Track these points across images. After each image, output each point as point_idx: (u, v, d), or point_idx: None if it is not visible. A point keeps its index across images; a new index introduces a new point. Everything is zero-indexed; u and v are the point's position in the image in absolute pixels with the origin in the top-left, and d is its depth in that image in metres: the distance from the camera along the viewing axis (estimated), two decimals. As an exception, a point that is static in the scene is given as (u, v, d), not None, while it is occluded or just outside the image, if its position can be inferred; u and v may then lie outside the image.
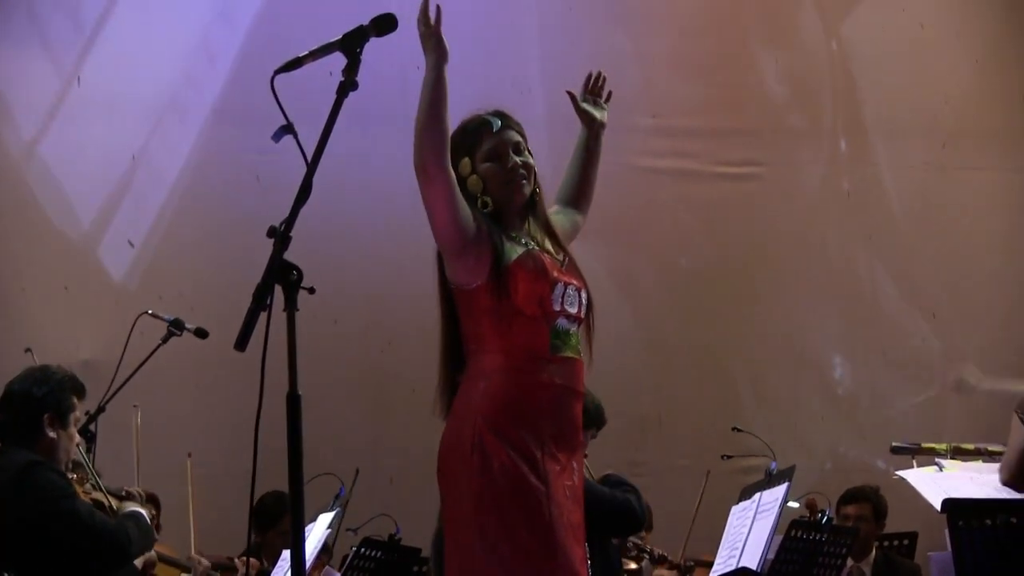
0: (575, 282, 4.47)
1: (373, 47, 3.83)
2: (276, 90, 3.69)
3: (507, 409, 4.26)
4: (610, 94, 4.91)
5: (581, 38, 9.97)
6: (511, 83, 9.51)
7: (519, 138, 4.50)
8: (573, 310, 4.41)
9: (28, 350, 7.39)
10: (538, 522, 4.20)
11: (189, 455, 7.13)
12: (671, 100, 10.11)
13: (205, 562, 6.51)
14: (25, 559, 5.30)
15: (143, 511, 5.71)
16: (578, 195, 4.87)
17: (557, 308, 4.36)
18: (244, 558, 7.15)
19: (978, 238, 10.54)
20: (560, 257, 4.49)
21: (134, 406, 7.26)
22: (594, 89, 4.89)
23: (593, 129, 4.86)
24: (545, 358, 4.33)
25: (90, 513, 5.38)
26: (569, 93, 4.85)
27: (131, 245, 8.97)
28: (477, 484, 4.22)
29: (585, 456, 4.93)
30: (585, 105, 4.85)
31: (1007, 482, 6.80)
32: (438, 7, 4.20)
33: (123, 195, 8.99)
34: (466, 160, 4.43)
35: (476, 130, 4.47)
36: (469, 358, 4.40)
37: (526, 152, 4.50)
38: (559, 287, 4.38)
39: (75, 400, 5.58)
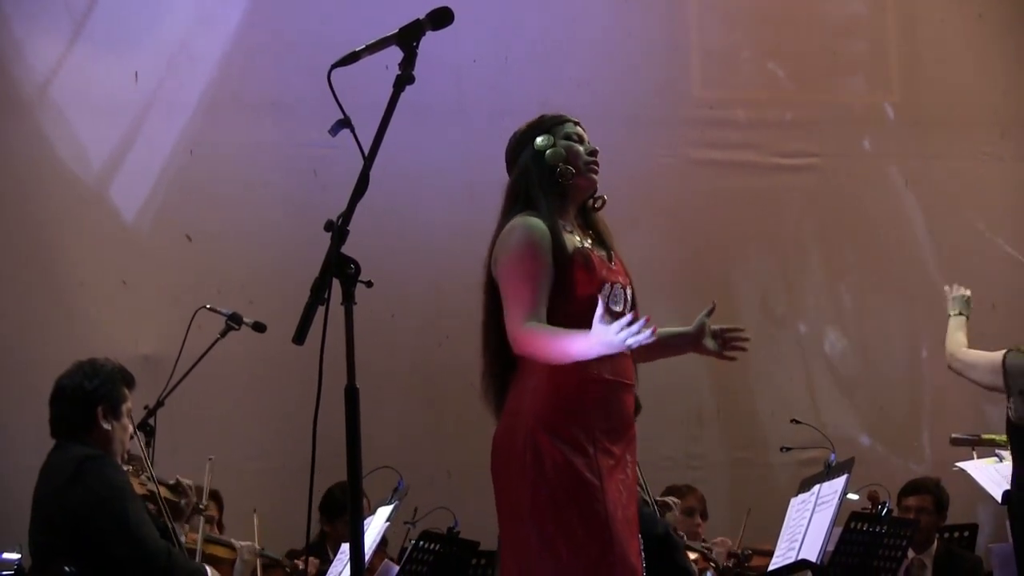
0: (621, 280, 4.49)
1: (428, 41, 3.83)
2: (332, 84, 3.71)
3: (558, 406, 4.28)
4: (736, 353, 4.80)
5: (639, 29, 9.94)
6: (569, 78, 9.50)
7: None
8: (618, 308, 4.41)
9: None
10: (593, 518, 4.22)
11: (210, 459, 7.00)
12: (728, 91, 10.07)
13: (245, 544, 6.52)
14: (79, 553, 5.31)
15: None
16: None
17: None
18: (305, 558, 7.14)
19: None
20: (605, 254, 4.51)
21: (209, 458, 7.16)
22: (727, 339, 4.77)
23: (694, 343, 4.74)
24: None
25: (139, 523, 5.36)
26: (713, 303, 4.75)
27: (188, 239, 8.98)
28: (531, 482, 4.24)
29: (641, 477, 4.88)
30: (707, 320, 4.73)
31: (951, 361, 6.92)
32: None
33: (180, 189, 9.00)
34: (548, 136, 4.49)
35: (557, 118, 4.56)
36: (519, 358, 4.39)
37: None
38: (606, 287, 4.39)
39: (126, 391, 5.61)
